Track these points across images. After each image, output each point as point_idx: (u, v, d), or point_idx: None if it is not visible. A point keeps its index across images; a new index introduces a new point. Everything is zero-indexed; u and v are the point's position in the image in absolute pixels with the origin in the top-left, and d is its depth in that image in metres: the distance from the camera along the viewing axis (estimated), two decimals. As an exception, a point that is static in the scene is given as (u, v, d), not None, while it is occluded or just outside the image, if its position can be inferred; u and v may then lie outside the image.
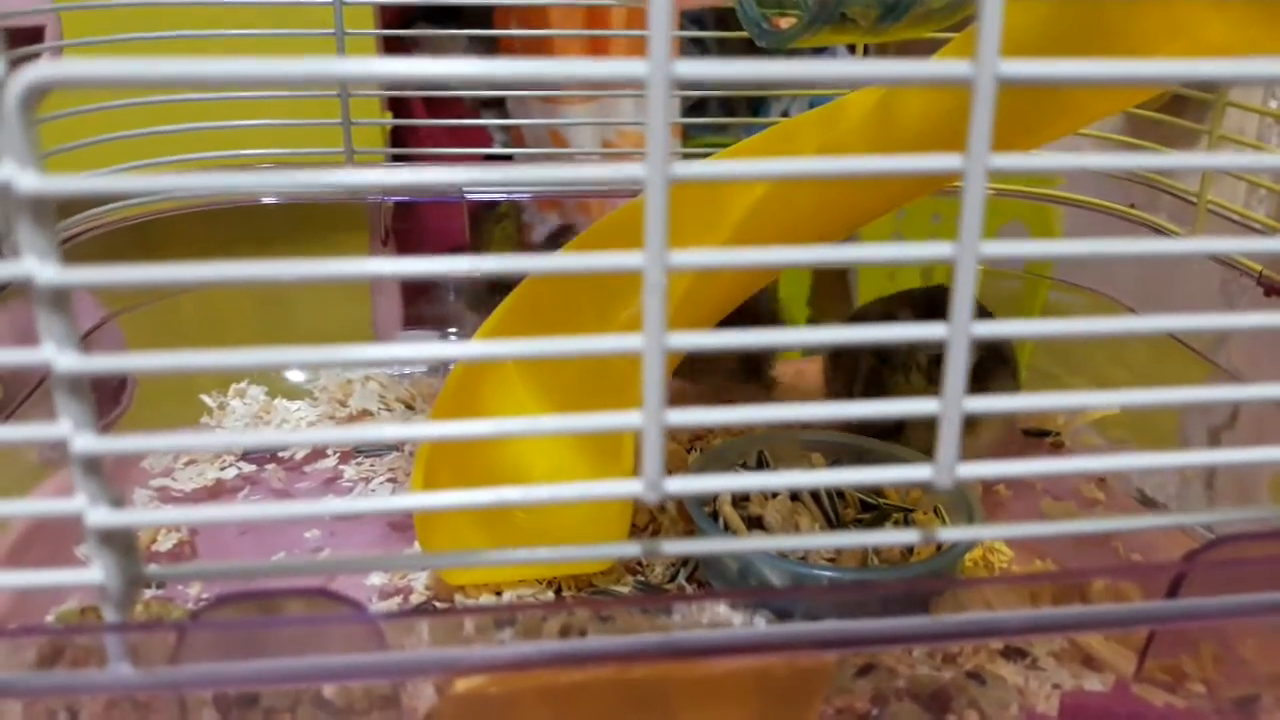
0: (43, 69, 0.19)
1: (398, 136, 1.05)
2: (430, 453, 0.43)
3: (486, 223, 0.93)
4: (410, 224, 0.82)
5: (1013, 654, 0.38)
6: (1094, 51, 0.39)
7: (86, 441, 0.21)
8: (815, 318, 0.87)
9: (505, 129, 1.29)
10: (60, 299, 0.20)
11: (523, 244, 0.93)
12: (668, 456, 0.52)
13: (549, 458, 0.46)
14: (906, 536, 0.25)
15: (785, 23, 0.40)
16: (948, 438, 0.23)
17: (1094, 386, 0.63)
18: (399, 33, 1.07)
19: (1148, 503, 0.56)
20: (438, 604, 0.43)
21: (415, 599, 0.43)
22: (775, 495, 0.45)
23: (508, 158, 1.18)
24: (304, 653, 0.24)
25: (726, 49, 0.88)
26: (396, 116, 0.90)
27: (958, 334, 0.22)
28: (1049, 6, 0.39)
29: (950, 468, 0.23)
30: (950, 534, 0.25)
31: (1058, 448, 0.58)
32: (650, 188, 0.20)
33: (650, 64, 0.19)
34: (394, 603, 0.43)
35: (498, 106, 1.32)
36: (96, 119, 0.55)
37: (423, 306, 0.74)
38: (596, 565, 0.44)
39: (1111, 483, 0.54)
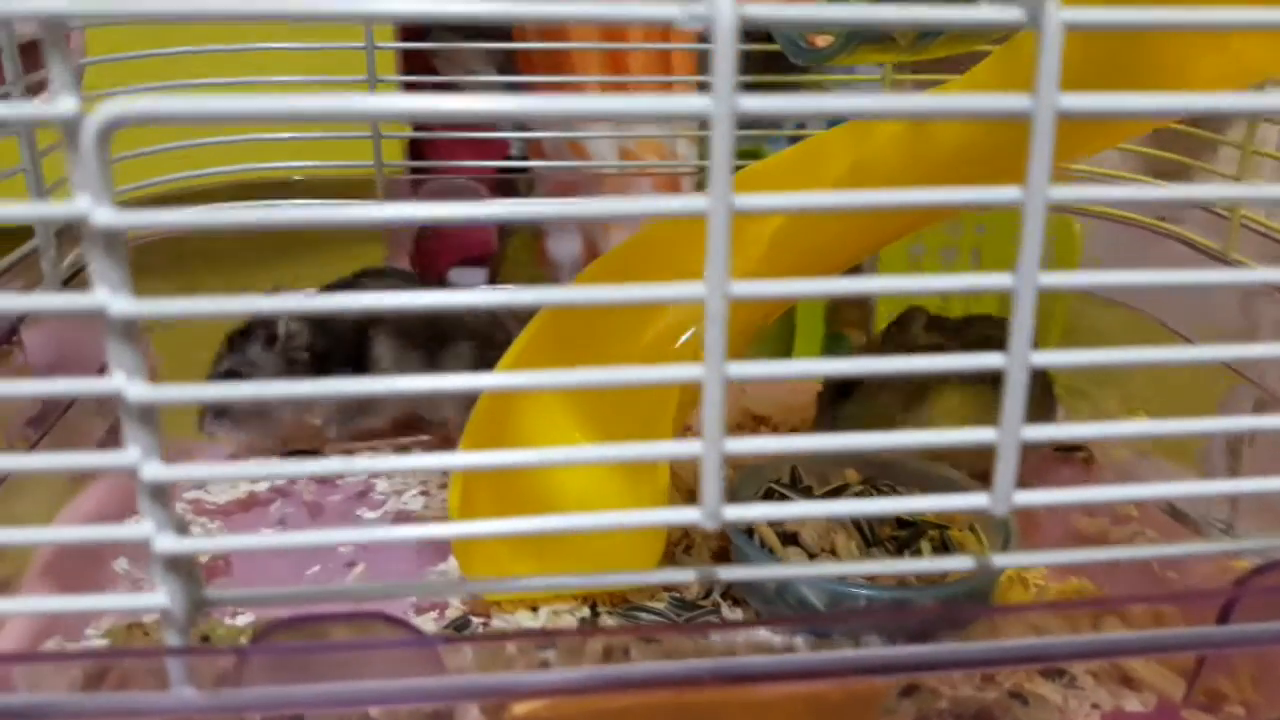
0: (118, 106, 0.19)
1: (415, 145, 1.06)
2: (466, 475, 0.43)
3: (504, 235, 0.94)
4: (429, 230, 0.83)
5: (1052, 673, 0.38)
6: (1133, 67, 0.39)
7: (155, 470, 0.21)
8: (833, 330, 0.87)
9: (523, 141, 1.29)
10: (131, 330, 0.20)
11: (539, 254, 0.93)
12: (696, 471, 0.52)
13: (582, 472, 0.46)
14: (962, 563, 0.25)
15: (822, 41, 0.40)
16: (1005, 467, 0.23)
17: (1121, 398, 0.63)
18: (420, 45, 1.08)
19: (1178, 516, 0.56)
20: (473, 618, 0.43)
21: (451, 613, 0.44)
22: (810, 511, 0.45)
23: (524, 170, 1.18)
24: (360, 676, 0.24)
25: (749, 62, 0.88)
26: (417, 128, 0.90)
27: (1016, 364, 0.22)
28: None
29: (1007, 496, 0.23)
30: (1007, 560, 0.25)
31: (1088, 462, 0.57)
32: (713, 220, 0.20)
33: (715, 99, 0.19)
34: (430, 617, 0.43)
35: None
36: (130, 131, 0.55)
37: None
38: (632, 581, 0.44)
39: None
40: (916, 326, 0.53)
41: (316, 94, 0.19)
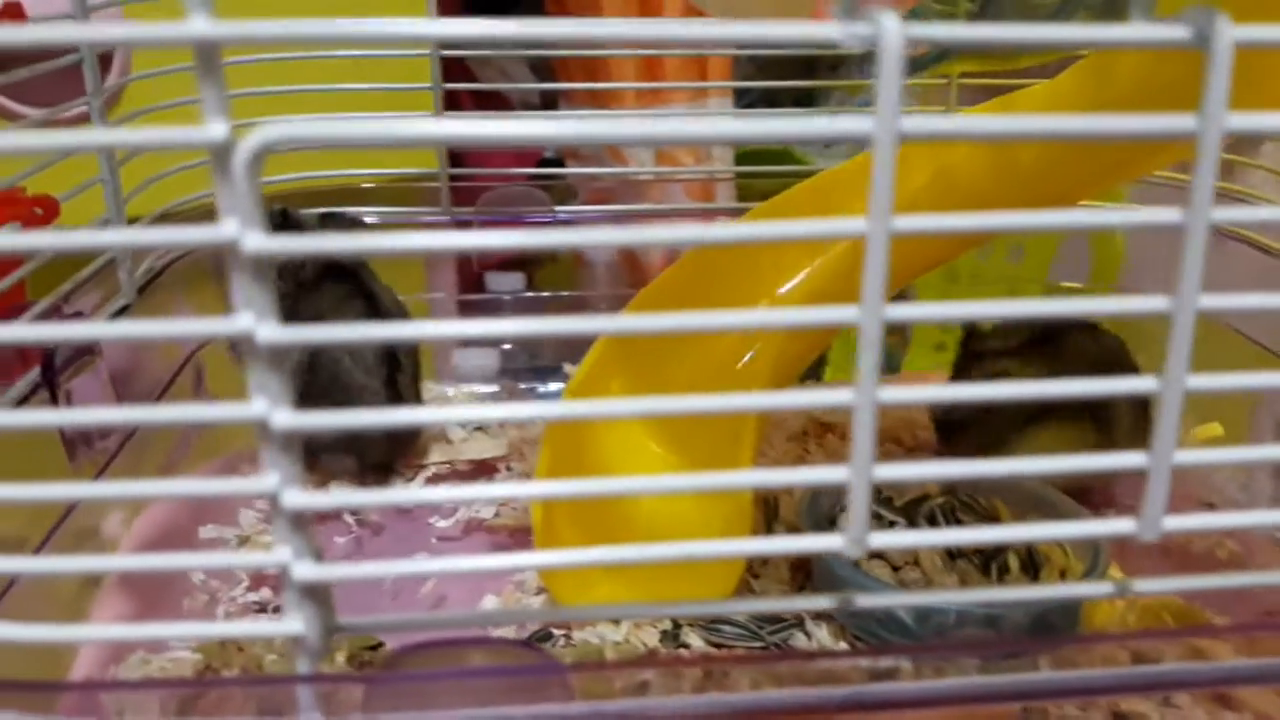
0: (270, 131, 0.18)
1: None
2: (549, 475, 0.43)
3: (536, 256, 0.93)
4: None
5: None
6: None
7: (295, 498, 0.21)
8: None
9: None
10: (278, 357, 0.20)
11: (578, 256, 0.92)
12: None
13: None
14: (1103, 589, 0.24)
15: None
16: (1156, 492, 0.22)
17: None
18: (460, 53, 1.08)
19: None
20: (554, 630, 0.43)
21: (530, 626, 0.43)
22: (893, 525, 0.44)
23: (560, 164, 1.18)
24: (484, 703, 0.23)
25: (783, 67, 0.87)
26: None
27: (1172, 388, 0.21)
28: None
29: (1156, 521, 0.23)
30: (1148, 585, 0.24)
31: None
32: (873, 242, 0.20)
33: (878, 121, 0.19)
34: (509, 630, 0.43)
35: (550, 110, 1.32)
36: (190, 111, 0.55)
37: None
38: (715, 594, 0.44)
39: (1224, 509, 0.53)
40: (995, 339, 0.52)
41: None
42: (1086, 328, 0.52)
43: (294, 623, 0.22)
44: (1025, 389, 0.21)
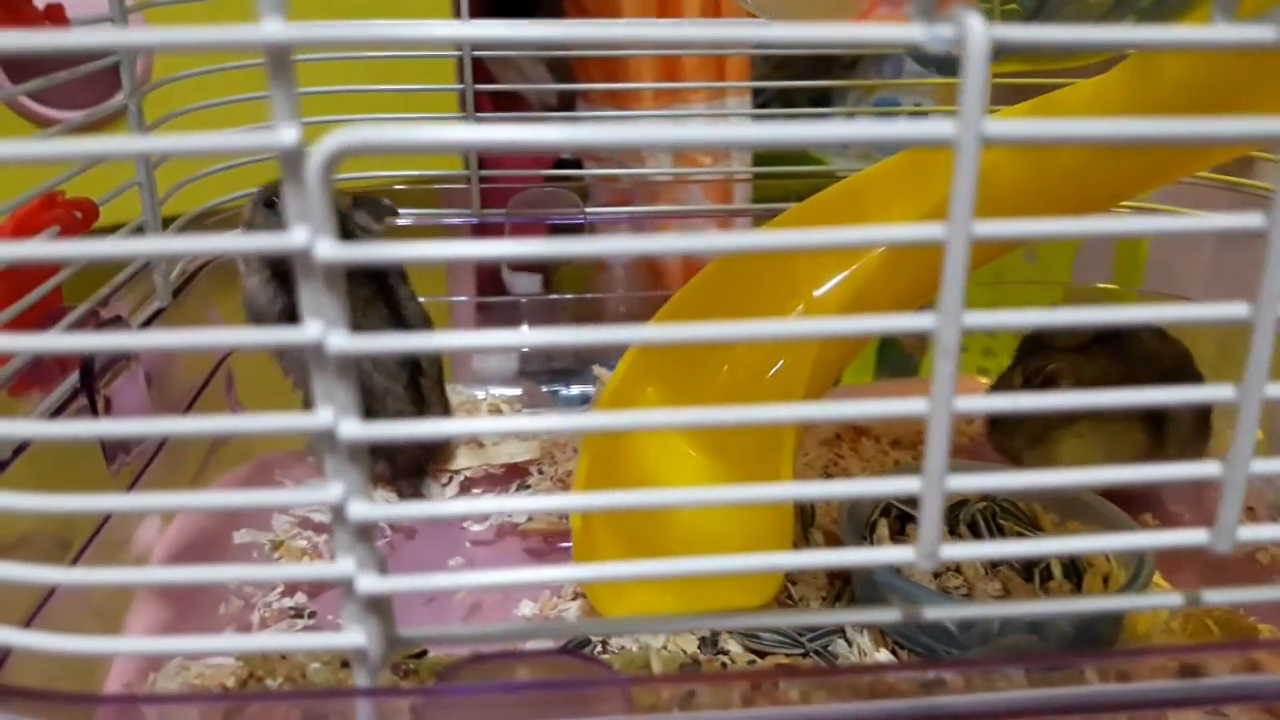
0: (342, 137, 0.18)
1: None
2: (587, 483, 0.42)
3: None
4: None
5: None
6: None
7: (361, 509, 0.20)
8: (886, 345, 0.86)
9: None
10: (345, 367, 0.19)
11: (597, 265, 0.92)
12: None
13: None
14: (1168, 599, 0.24)
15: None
16: (1231, 503, 0.22)
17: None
18: (488, 54, 1.08)
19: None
20: (591, 637, 0.42)
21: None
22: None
23: (577, 165, 1.18)
24: (538, 716, 0.23)
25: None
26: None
27: (1251, 397, 0.21)
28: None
29: (1231, 533, 0.22)
30: (1217, 597, 0.24)
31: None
32: (952, 245, 0.19)
33: (961, 124, 0.19)
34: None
35: (566, 113, 1.32)
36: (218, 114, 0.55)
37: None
38: (754, 602, 0.43)
39: (1260, 512, 0.53)
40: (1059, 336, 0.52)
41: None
42: (1154, 330, 0.52)
43: (356, 635, 0.22)
44: (1101, 398, 0.21)
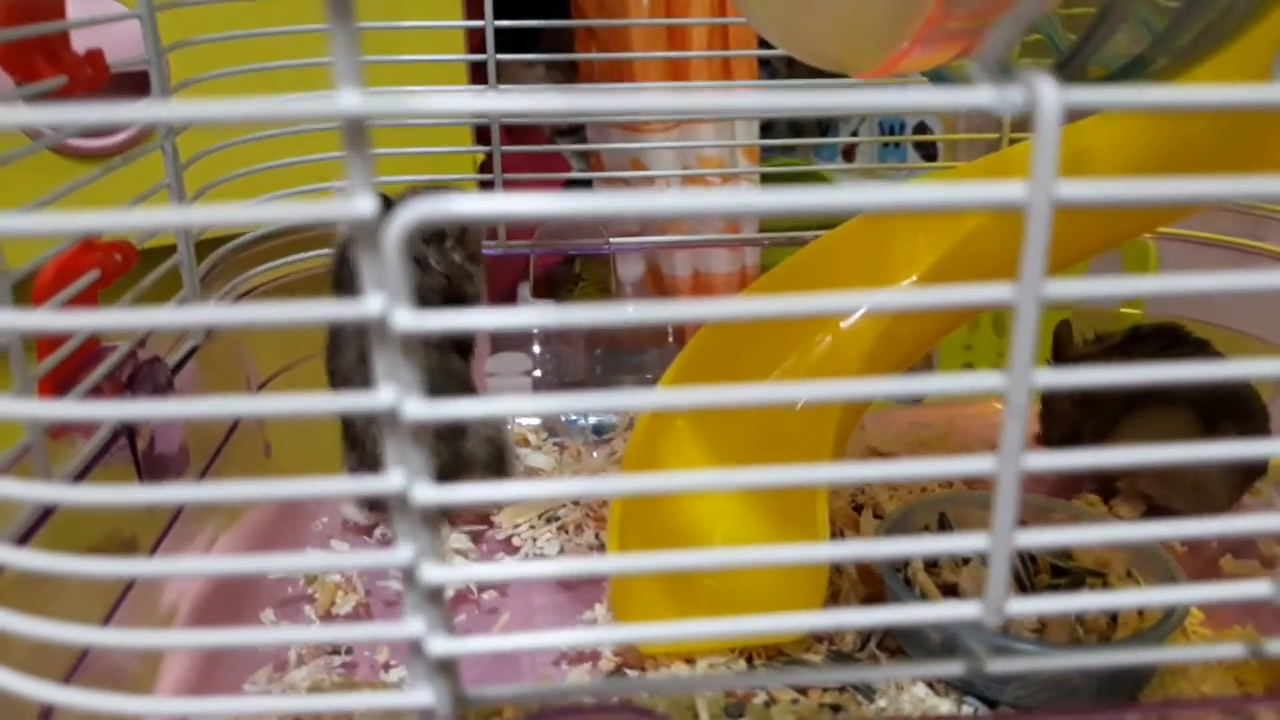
0: (424, 206, 0.18)
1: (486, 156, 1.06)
2: (621, 517, 0.43)
3: (565, 280, 0.93)
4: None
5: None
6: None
7: (433, 573, 0.20)
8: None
9: (584, 155, 1.29)
10: (420, 432, 0.19)
11: (612, 272, 0.92)
12: (832, 514, 0.51)
13: (733, 515, 0.45)
14: (1233, 650, 0.24)
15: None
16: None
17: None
18: (501, 56, 1.08)
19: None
20: (628, 670, 0.42)
21: (604, 665, 0.43)
22: (968, 561, 0.44)
23: (587, 183, 1.18)
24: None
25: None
26: (479, 142, 0.90)
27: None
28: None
29: (1296, 585, 0.22)
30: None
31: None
32: (1022, 311, 0.19)
33: (1032, 188, 0.19)
34: (584, 669, 0.43)
35: (575, 133, 1.32)
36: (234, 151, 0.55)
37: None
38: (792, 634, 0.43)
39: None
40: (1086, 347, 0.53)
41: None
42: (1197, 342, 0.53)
43: (424, 694, 0.22)
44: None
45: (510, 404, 0.20)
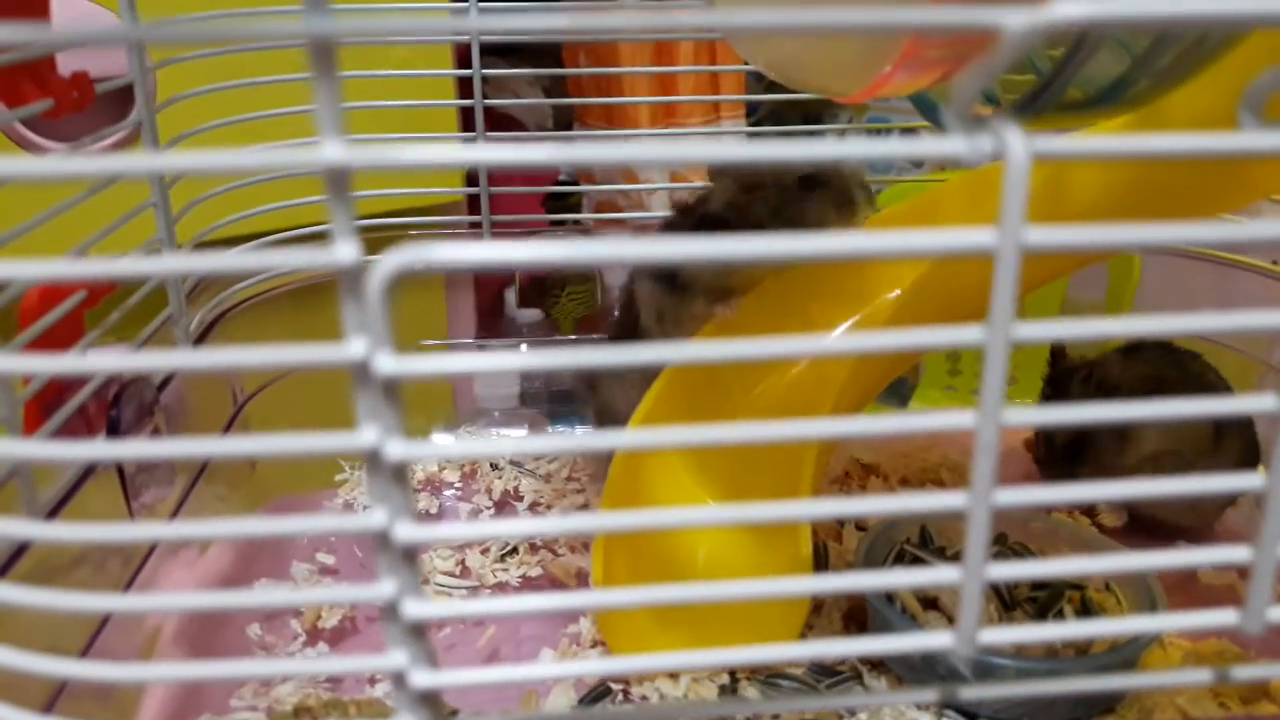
0: (407, 255, 0.19)
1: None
2: (606, 541, 0.43)
3: (551, 285, 0.93)
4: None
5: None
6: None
7: (416, 608, 0.21)
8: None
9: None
10: (402, 473, 0.20)
11: (599, 277, 0.92)
12: (815, 526, 0.52)
13: (716, 539, 0.46)
14: (1199, 676, 0.24)
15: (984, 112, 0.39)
16: (1261, 586, 0.22)
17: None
18: (490, 72, 1.08)
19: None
20: (613, 686, 0.43)
21: (590, 682, 0.43)
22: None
23: (574, 183, 1.18)
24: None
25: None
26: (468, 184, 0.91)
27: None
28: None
29: (1261, 615, 0.23)
30: (1248, 673, 0.24)
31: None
32: (992, 350, 0.20)
33: (1001, 234, 0.19)
34: (569, 684, 0.43)
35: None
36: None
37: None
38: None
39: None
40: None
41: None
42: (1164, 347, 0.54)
43: (407, 727, 0.22)
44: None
45: (488, 445, 0.21)
